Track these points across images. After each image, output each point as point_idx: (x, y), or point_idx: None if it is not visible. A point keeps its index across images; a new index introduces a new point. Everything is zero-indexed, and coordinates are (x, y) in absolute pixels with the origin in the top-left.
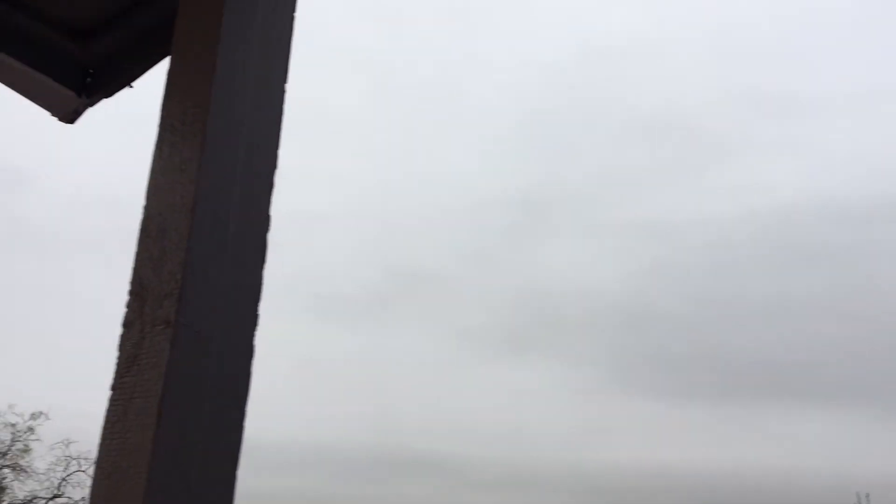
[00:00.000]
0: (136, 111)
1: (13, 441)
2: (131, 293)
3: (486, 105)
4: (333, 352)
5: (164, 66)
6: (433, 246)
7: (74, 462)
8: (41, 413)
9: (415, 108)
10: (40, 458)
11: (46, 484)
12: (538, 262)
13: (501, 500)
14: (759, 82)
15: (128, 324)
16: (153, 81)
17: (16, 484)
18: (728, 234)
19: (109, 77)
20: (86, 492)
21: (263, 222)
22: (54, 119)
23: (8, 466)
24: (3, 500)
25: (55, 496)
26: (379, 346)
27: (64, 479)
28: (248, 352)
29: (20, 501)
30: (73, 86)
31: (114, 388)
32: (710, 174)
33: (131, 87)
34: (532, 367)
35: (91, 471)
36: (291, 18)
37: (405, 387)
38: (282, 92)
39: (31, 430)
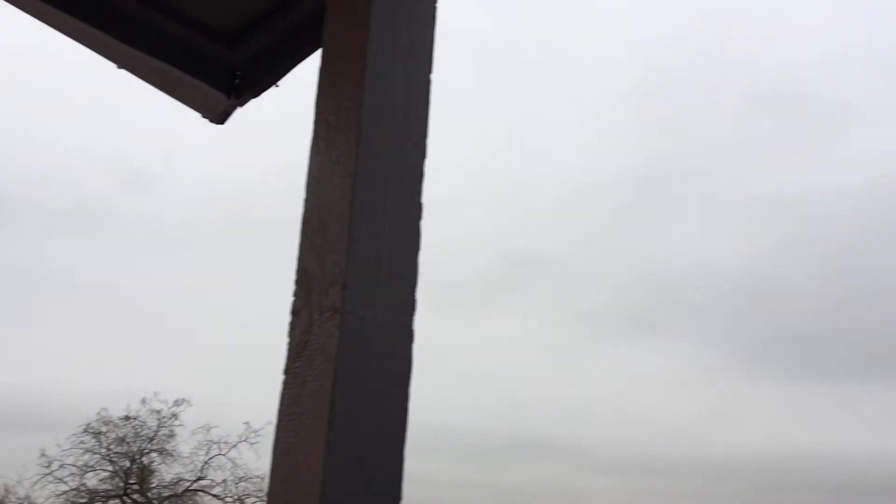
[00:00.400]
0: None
1: (159, 427)
2: (297, 282)
3: (595, 84)
4: (451, 338)
5: (306, 65)
6: (548, 230)
7: (215, 446)
8: (184, 400)
9: (522, 91)
10: (184, 443)
11: (190, 467)
12: (657, 242)
13: (626, 485)
14: (891, 44)
15: (296, 311)
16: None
17: (163, 467)
18: (857, 207)
19: (257, 78)
20: (226, 474)
21: (416, 210)
22: (205, 121)
23: (155, 451)
24: (153, 483)
25: (198, 478)
26: (496, 332)
27: (206, 463)
28: (408, 336)
29: (167, 483)
30: (222, 88)
31: (286, 372)
32: (838, 144)
33: (277, 86)
34: (654, 350)
35: (231, 454)
36: (434, 9)
37: (524, 372)
38: (428, 82)
39: (174, 416)
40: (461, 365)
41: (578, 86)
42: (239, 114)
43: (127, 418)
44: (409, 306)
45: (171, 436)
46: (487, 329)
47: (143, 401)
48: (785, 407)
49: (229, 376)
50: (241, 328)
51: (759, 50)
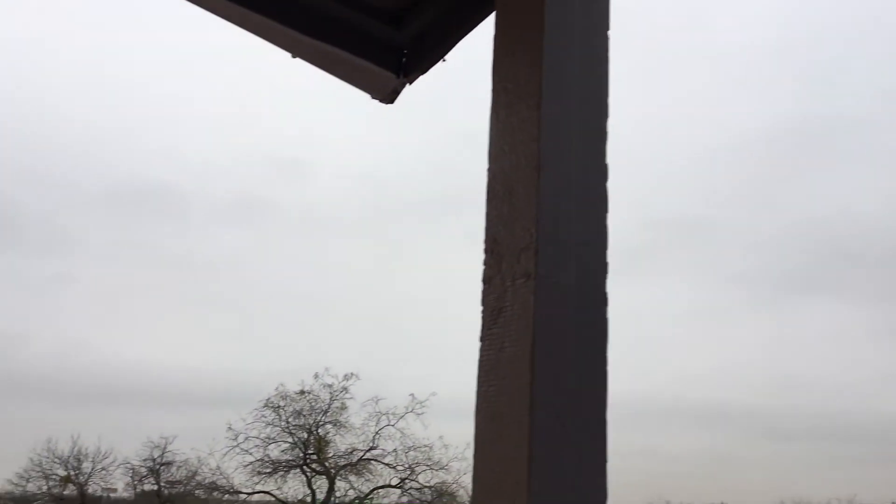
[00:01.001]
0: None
1: (331, 400)
2: (487, 251)
3: (737, 36)
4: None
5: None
6: (695, 190)
7: (384, 417)
8: (352, 374)
9: (659, 49)
10: (355, 415)
11: (362, 437)
12: (815, 196)
13: (800, 451)
14: None
15: (487, 279)
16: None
17: (337, 438)
18: None
19: (424, 54)
20: (395, 444)
21: (602, 171)
22: (375, 101)
23: (329, 422)
24: (329, 453)
25: (371, 448)
26: (645, 299)
27: (377, 433)
28: (602, 300)
29: (342, 453)
30: (391, 67)
31: (483, 339)
32: None
33: (444, 60)
34: (818, 310)
35: (399, 424)
36: None
37: (678, 338)
38: (606, 38)
39: (345, 389)
40: (619, 332)
41: (720, 40)
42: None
43: (302, 393)
44: (601, 270)
45: (343, 408)
46: (635, 296)
47: (316, 376)
48: None
49: (390, 351)
50: (395, 305)
51: None
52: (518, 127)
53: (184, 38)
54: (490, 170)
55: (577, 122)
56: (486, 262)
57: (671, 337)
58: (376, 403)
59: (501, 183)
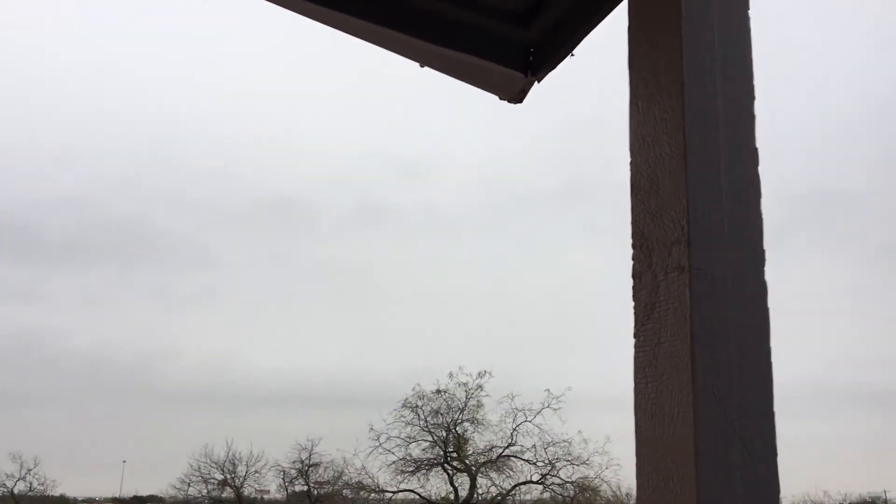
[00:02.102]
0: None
1: (467, 398)
2: (635, 245)
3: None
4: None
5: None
6: (836, 161)
7: (520, 414)
8: (486, 372)
9: (794, 12)
10: (491, 412)
11: (500, 434)
12: None
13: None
14: None
15: (637, 274)
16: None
17: (475, 435)
18: None
19: (551, 51)
20: (534, 440)
21: (752, 156)
22: (503, 102)
23: (467, 420)
24: (468, 450)
25: (509, 445)
26: (795, 277)
27: (514, 430)
28: (761, 289)
29: (481, 450)
30: (518, 66)
31: (637, 335)
32: None
33: (573, 55)
34: None
35: (536, 420)
36: None
37: (828, 318)
38: (746, 18)
39: (480, 387)
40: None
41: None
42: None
43: (438, 392)
44: (758, 258)
45: (479, 406)
46: (785, 274)
47: (451, 375)
48: None
49: (522, 347)
50: (522, 300)
51: None
52: (660, 117)
53: (309, 55)
54: (633, 163)
55: (723, 108)
56: (634, 257)
57: (818, 317)
58: (512, 400)
59: (646, 176)
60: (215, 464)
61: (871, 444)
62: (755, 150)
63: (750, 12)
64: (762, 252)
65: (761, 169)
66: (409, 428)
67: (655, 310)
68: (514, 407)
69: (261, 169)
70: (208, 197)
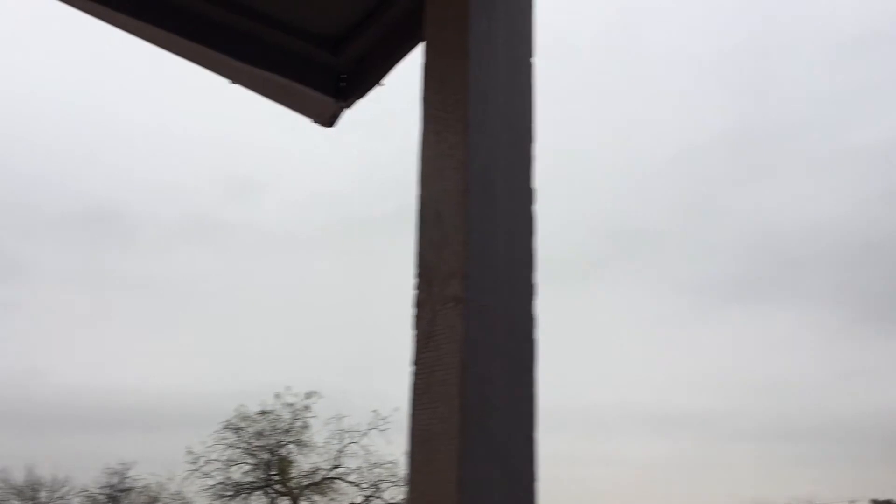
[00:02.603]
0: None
1: (293, 419)
2: (418, 276)
3: (671, 52)
4: (558, 317)
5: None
6: (644, 202)
7: (347, 435)
8: (314, 392)
9: (596, 67)
10: (318, 434)
11: (326, 456)
12: (760, 204)
13: (755, 453)
14: None
15: (419, 304)
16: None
17: (300, 457)
18: None
19: (362, 78)
20: (360, 462)
21: (528, 195)
22: (315, 125)
23: (292, 442)
24: (292, 473)
25: (335, 467)
26: (603, 308)
27: (340, 451)
28: (530, 320)
29: (306, 473)
30: (329, 91)
31: (415, 363)
32: None
33: (382, 84)
34: (771, 314)
35: (362, 442)
36: None
37: (637, 346)
38: (530, 66)
39: (307, 408)
40: (575, 342)
41: (654, 57)
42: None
43: (263, 413)
44: (529, 292)
45: (306, 427)
46: (594, 305)
47: (277, 395)
48: None
49: (351, 368)
50: (353, 321)
51: None
52: (447, 153)
53: (133, 62)
54: (420, 195)
55: (504, 148)
56: (417, 287)
57: (629, 345)
58: (339, 421)
59: (431, 208)
60: (13, 489)
61: (677, 464)
62: (532, 190)
63: (533, 59)
64: (533, 286)
65: (569, 198)
66: (230, 451)
67: (433, 339)
68: (341, 428)
69: (76, 177)
70: (15, 203)
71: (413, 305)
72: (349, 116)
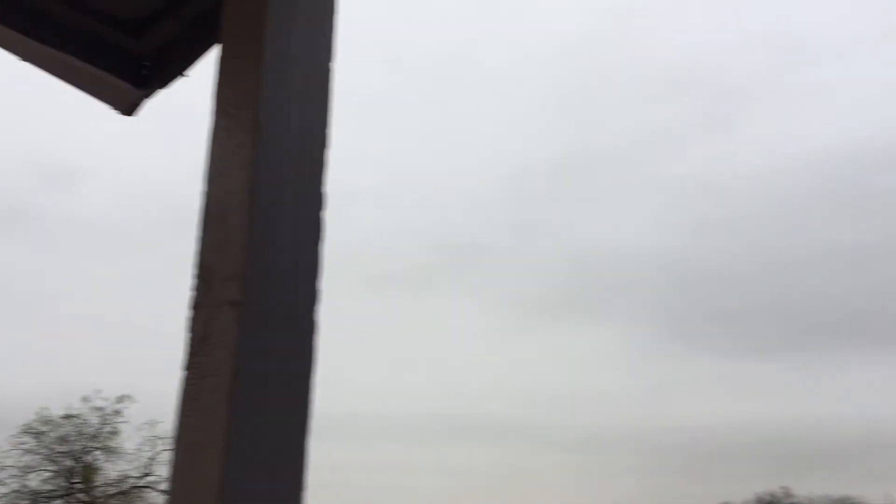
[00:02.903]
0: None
1: (102, 424)
2: (197, 276)
3: (507, 78)
4: (385, 326)
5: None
6: (473, 218)
7: (161, 442)
8: (126, 396)
9: (434, 86)
10: (129, 440)
11: (136, 464)
12: (582, 228)
13: (571, 463)
14: (777, 28)
15: (195, 306)
16: (207, 69)
17: (108, 465)
18: (769, 186)
19: (164, 67)
20: None
21: (318, 201)
22: (115, 113)
23: (99, 448)
24: (97, 481)
25: (145, 475)
26: (430, 319)
27: (152, 459)
28: (311, 327)
29: (113, 481)
30: (130, 79)
31: (187, 368)
32: (742, 126)
33: (185, 75)
34: (588, 331)
35: None
36: None
37: (465, 357)
38: (328, 71)
39: (117, 412)
40: (402, 352)
41: (490, 80)
42: (153, 105)
43: (68, 417)
44: (312, 298)
45: (115, 433)
46: (424, 316)
47: (85, 399)
48: (721, 381)
49: (171, 370)
50: (173, 320)
51: (661, 39)
52: (235, 151)
53: None
54: (205, 193)
55: (296, 151)
56: (195, 288)
57: (456, 355)
58: (153, 427)
59: (215, 208)
60: None
61: (501, 473)
62: (322, 195)
63: (332, 65)
64: (316, 292)
65: (390, 209)
66: (28, 456)
67: (206, 343)
68: (154, 434)
69: None
70: None
71: (189, 308)
72: (165, 106)
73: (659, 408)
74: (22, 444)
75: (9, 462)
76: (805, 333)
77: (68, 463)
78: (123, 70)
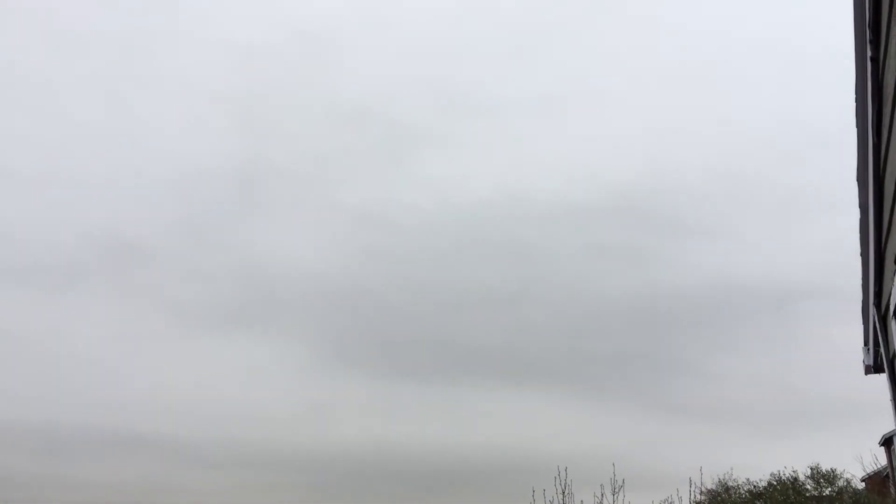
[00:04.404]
0: None
1: None
2: None
3: (186, 78)
4: (30, 324)
5: None
6: (137, 215)
7: None
8: None
9: (109, 70)
10: None
11: None
12: (253, 240)
13: (228, 479)
14: (454, 79)
15: None
16: None
17: None
18: (430, 223)
19: None
20: None
21: None
22: None
23: None
24: None
25: None
26: (80, 318)
27: None
28: None
29: None
30: None
31: None
32: (410, 163)
33: None
34: (253, 345)
35: None
36: None
37: (112, 365)
38: None
39: None
40: (41, 353)
41: (168, 77)
42: None
43: None
44: None
45: None
46: (70, 314)
47: None
48: (377, 402)
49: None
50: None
51: (344, 70)
52: None
53: None
54: None
55: None
56: None
57: (102, 359)
58: None
59: None
60: None
61: (150, 489)
62: None
63: None
64: None
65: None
66: None
67: None
68: None
69: None
70: None
71: None
72: None
73: (319, 425)
74: None
75: None
76: (454, 364)
77: None
78: None
